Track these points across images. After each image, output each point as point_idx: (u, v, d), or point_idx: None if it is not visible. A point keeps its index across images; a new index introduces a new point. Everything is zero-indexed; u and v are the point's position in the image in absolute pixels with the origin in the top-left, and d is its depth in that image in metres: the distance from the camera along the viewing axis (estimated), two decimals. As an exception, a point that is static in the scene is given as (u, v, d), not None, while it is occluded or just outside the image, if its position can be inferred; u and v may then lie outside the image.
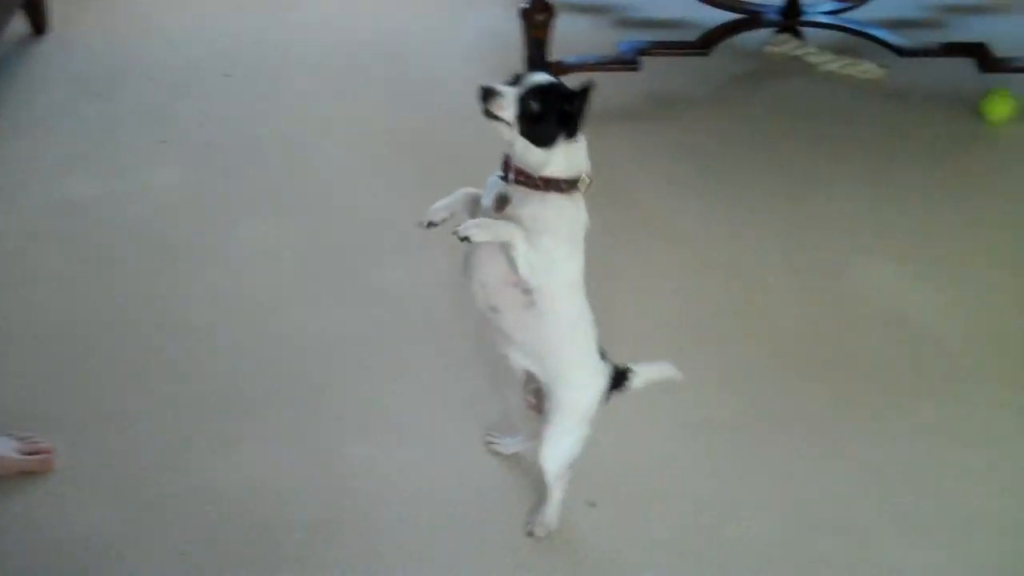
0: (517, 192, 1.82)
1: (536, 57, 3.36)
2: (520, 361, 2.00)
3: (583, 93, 1.75)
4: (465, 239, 1.79)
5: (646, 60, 3.57)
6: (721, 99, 3.77)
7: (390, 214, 3.08)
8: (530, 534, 2.13)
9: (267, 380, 2.51)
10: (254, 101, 3.67)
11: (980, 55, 3.70)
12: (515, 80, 1.79)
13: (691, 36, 3.74)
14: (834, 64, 3.95)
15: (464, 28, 4.22)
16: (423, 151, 3.40)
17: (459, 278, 1.94)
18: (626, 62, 3.55)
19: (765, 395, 2.53)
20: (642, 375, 2.11)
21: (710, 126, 3.59)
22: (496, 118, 1.76)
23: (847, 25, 3.91)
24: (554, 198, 1.81)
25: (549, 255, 1.81)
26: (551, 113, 1.75)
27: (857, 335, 2.72)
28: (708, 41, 3.68)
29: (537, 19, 3.29)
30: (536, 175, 1.79)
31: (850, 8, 3.95)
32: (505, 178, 1.83)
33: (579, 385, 1.99)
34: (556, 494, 2.10)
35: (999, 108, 3.63)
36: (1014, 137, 3.62)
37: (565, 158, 1.79)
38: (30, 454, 2.24)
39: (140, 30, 4.13)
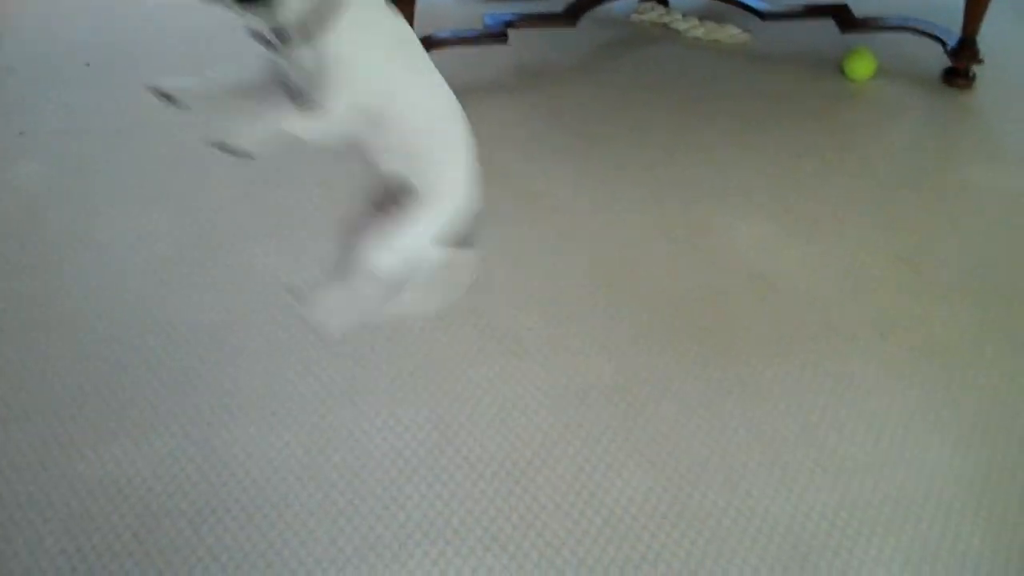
0: None
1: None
2: None
3: None
4: None
5: (513, 33, 3.56)
6: (590, 68, 3.78)
7: (259, 198, 3.05)
8: None
9: (143, 370, 2.46)
10: (114, 90, 3.56)
11: (841, 16, 3.79)
12: None
13: (557, 7, 3.74)
14: (699, 30, 3.99)
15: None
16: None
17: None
18: (494, 35, 3.54)
19: (641, 360, 2.55)
20: None
21: (580, 95, 3.60)
22: None
23: (710, -9, 3.96)
24: None
25: None
26: None
27: (731, 295, 2.76)
28: (574, 12, 3.68)
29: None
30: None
31: (712, -25, 3.99)
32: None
33: None
34: None
35: (860, 67, 3.73)
36: (874, 94, 3.71)
37: None
38: None
39: (-7, 22, 4.00)
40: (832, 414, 2.42)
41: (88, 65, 3.69)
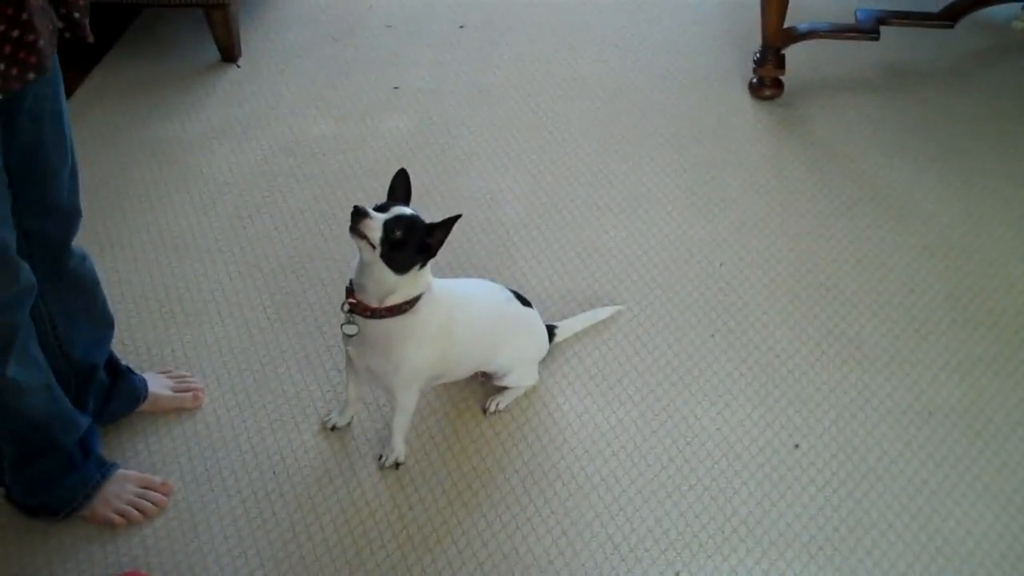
0: (366, 324, 2.02)
1: (774, 25, 3.26)
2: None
3: (445, 225, 1.94)
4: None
5: (885, 29, 3.43)
6: (961, 74, 3.58)
7: (607, 172, 3.10)
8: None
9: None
10: (484, 53, 3.70)
11: None
12: (382, 207, 1.92)
13: (931, 5, 3.58)
14: (1087, 43, 3.72)
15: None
16: (641, 113, 3.38)
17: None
18: (864, 31, 3.42)
19: (994, 385, 2.44)
20: (566, 328, 2.50)
21: (949, 102, 3.42)
22: (363, 236, 1.88)
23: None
24: (398, 321, 2.00)
25: (411, 365, 2.08)
26: (412, 242, 1.92)
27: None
28: (953, 12, 3.50)
29: (777, -17, 3.19)
30: (381, 305, 1.98)
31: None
32: (351, 310, 2.01)
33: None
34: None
35: None
36: None
37: (412, 285, 1.98)
38: (182, 391, 2.39)
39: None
40: None
41: (463, 27, 3.83)
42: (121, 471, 2.19)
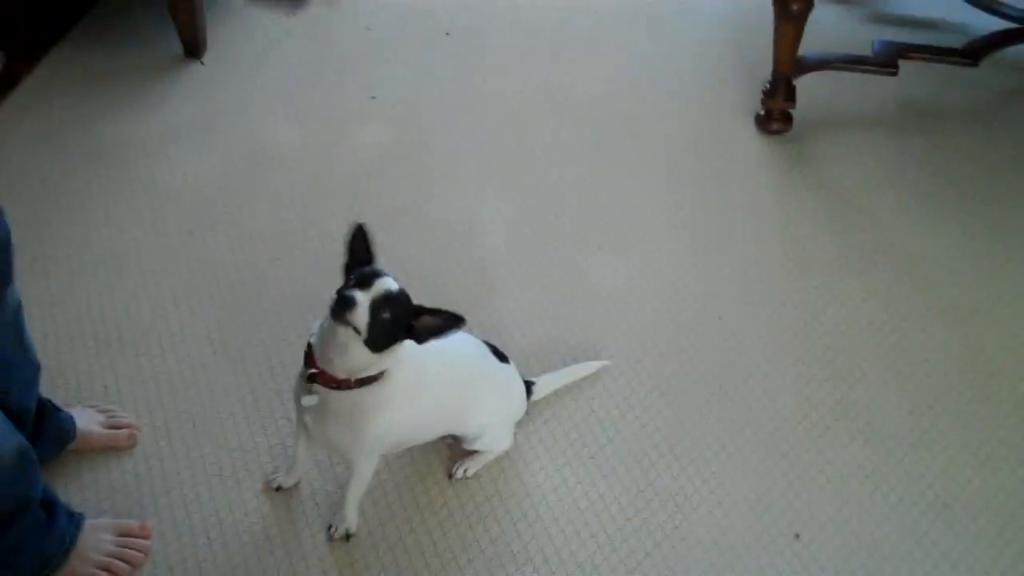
0: (329, 395, 1.76)
1: (787, 55, 3.01)
2: None
3: (438, 316, 1.70)
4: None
5: (904, 64, 3.18)
6: (984, 116, 3.33)
7: (596, 202, 2.86)
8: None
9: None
10: (470, 63, 3.43)
11: None
12: (363, 280, 1.66)
13: (954, 40, 3.34)
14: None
15: (702, 5, 3.88)
16: (637, 139, 3.13)
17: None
18: (882, 64, 3.18)
19: (1016, 472, 2.20)
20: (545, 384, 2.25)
21: (971, 146, 3.16)
22: (347, 324, 1.63)
23: None
24: (368, 391, 1.75)
25: (376, 434, 1.82)
26: (398, 322, 1.68)
27: None
28: (977, 51, 3.27)
29: (793, 8, 2.92)
30: (351, 377, 1.73)
31: None
32: (312, 378, 1.75)
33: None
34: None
35: None
36: None
37: (388, 359, 1.73)
38: (115, 427, 2.13)
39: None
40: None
41: (448, 34, 3.57)
42: (90, 521, 1.93)
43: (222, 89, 3.20)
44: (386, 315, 1.64)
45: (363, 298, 1.63)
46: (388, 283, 1.67)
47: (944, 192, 2.97)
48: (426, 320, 1.69)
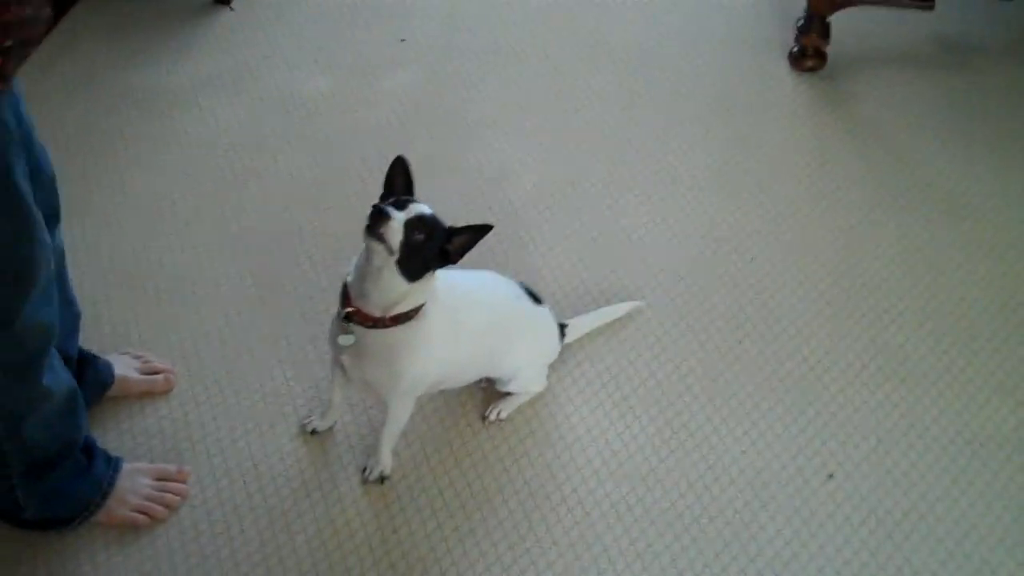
0: (365, 334, 1.77)
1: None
2: None
3: (469, 233, 1.70)
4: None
5: (940, -1, 3.13)
6: (1022, 53, 3.27)
7: (624, 153, 2.83)
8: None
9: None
10: (501, 3, 3.39)
11: None
12: (399, 204, 1.67)
13: (997, -27, 3.28)
14: None
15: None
16: (669, 80, 3.10)
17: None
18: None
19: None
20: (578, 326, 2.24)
21: (1012, 81, 3.11)
22: (382, 240, 1.63)
23: None
24: (403, 330, 1.76)
25: (413, 374, 1.84)
26: (432, 246, 1.68)
27: None
28: (1016, -17, 3.20)
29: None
30: (385, 315, 1.73)
31: None
32: (348, 317, 1.76)
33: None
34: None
35: None
36: None
37: (422, 292, 1.75)
38: (150, 374, 2.15)
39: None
40: None
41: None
42: (128, 465, 1.96)
43: (252, 36, 3.18)
44: (420, 236, 1.64)
45: (398, 216, 1.63)
46: (423, 207, 1.68)
47: (980, 129, 2.93)
48: (458, 240, 1.70)
